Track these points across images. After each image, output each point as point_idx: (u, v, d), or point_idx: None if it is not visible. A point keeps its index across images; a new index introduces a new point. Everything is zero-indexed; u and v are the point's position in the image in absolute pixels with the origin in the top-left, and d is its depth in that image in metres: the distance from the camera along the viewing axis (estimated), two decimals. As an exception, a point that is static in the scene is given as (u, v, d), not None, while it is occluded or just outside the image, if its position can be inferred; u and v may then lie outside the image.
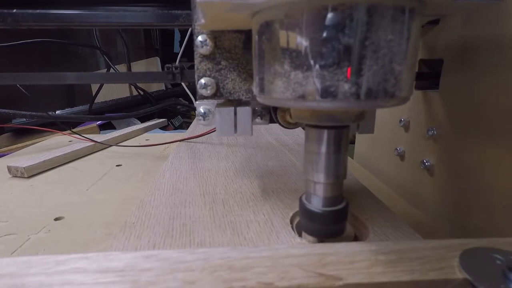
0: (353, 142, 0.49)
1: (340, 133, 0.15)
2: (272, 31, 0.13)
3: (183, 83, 1.21)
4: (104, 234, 0.28)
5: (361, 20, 0.11)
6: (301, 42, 0.12)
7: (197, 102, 0.21)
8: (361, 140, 0.47)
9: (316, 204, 0.16)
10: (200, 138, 0.45)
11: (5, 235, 0.28)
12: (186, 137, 0.45)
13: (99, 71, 1.35)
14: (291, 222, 0.20)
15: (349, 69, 0.11)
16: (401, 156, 0.34)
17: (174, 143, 0.46)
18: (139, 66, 1.33)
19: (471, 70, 0.24)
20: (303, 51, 0.12)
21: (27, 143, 0.69)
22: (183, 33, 1.75)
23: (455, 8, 0.14)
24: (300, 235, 0.18)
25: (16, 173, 0.42)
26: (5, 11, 0.29)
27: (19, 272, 0.13)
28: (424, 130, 0.30)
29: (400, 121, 0.34)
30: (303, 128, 0.18)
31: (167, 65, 0.25)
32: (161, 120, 0.89)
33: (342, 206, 0.16)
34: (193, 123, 0.60)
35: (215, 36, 0.19)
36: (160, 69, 1.33)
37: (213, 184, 0.27)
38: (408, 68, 0.12)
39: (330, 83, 0.12)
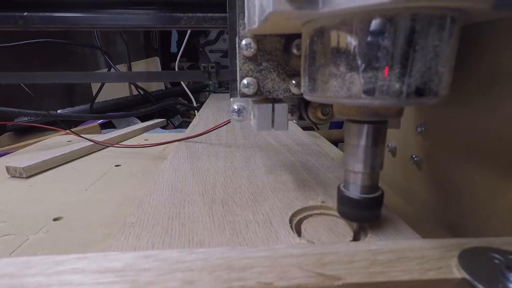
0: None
1: (380, 127, 0.17)
2: (328, 36, 0.14)
3: (182, 83, 1.21)
4: (103, 234, 0.28)
5: (413, 29, 0.12)
6: (357, 47, 0.13)
7: (231, 99, 0.23)
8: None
9: (355, 191, 0.18)
10: (199, 138, 0.45)
11: (3, 236, 0.27)
12: (185, 136, 0.45)
13: (99, 70, 1.35)
14: (290, 222, 0.20)
15: (400, 71, 0.13)
16: (393, 152, 0.36)
17: (173, 143, 0.46)
18: (138, 66, 1.33)
19: (460, 65, 0.25)
20: (359, 55, 0.13)
21: (30, 141, 0.70)
22: (180, 34, 1.75)
23: (490, 16, 0.16)
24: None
25: (15, 173, 0.42)
26: (17, 14, 0.31)
27: (18, 272, 0.13)
28: (413, 127, 0.31)
29: None
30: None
31: (203, 64, 0.27)
32: (160, 120, 0.89)
33: (378, 194, 0.18)
34: (192, 122, 0.60)
35: (258, 40, 0.21)
36: (159, 69, 1.34)
37: (212, 184, 0.27)
38: (449, 70, 0.14)
39: (383, 83, 0.13)
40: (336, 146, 0.56)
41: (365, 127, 0.16)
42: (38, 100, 0.66)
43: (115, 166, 0.47)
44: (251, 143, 0.41)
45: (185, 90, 1.10)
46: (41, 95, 0.67)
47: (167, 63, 1.63)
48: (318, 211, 0.22)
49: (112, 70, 0.91)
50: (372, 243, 0.16)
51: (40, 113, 0.59)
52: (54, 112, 0.71)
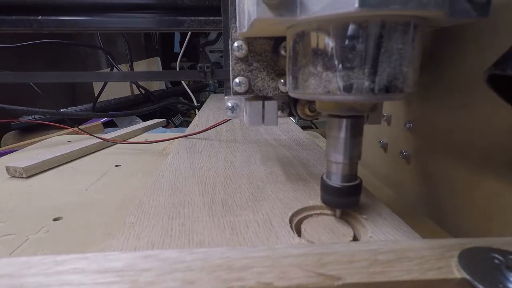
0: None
1: (357, 122, 0.18)
2: (307, 40, 0.16)
3: (183, 82, 1.22)
4: (103, 234, 0.28)
5: (379, 33, 0.14)
6: (331, 49, 0.15)
7: (226, 97, 0.25)
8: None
9: (336, 180, 0.19)
10: (199, 138, 0.45)
11: (3, 236, 0.28)
12: (187, 133, 0.46)
13: (101, 70, 1.36)
14: (290, 222, 0.20)
15: (369, 70, 0.14)
16: (384, 148, 0.38)
17: (174, 143, 0.46)
18: (140, 66, 1.33)
19: (438, 67, 0.28)
20: (333, 56, 0.15)
21: (35, 139, 0.70)
22: (183, 34, 1.75)
23: (452, 22, 0.18)
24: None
25: (15, 173, 0.42)
26: (32, 18, 0.33)
27: (17, 272, 0.13)
28: (402, 123, 0.33)
29: (384, 115, 0.37)
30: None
31: (199, 64, 0.28)
32: (160, 120, 0.89)
33: (357, 182, 0.19)
34: (193, 121, 0.60)
35: (249, 42, 0.22)
36: (160, 69, 1.34)
37: (212, 184, 0.27)
38: (413, 70, 0.15)
39: (354, 81, 0.15)
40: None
41: (344, 121, 0.18)
42: (41, 100, 0.66)
43: (115, 166, 0.47)
44: (251, 143, 0.41)
45: (186, 90, 1.11)
46: (43, 94, 0.68)
47: (167, 63, 1.63)
48: (318, 211, 0.22)
49: (115, 69, 0.92)
50: (372, 243, 0.16)
51: (49, 111, 0.60)
52: (62, 110, 0.72)
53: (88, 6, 0.34)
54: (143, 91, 1.08)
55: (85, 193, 0.37)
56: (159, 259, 0.14)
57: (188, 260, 0.14)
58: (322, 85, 0.16)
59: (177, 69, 1.07)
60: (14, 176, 0.42)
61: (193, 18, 0.35)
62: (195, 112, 1.07)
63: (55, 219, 0.30)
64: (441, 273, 0.13)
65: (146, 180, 0.40)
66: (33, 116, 0.85)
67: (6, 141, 0.90)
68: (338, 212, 0.20)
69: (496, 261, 0.14)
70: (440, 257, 0.14)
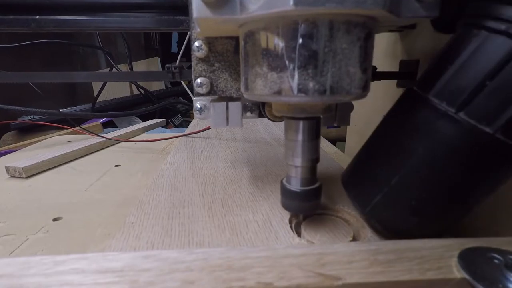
0: (344, 139, 0.54)
1: (312, 124, 0.18)
2: (254, 39, 0.16)
3: (183, 82, 1.22)
4: (103, 234, 0.28)
5: (321, 33, 0.13)
6: (275, 49, 0.14)
7: (194, 98, 0.24)
8: (351, 136, 0.51)
9: (295, 184, 0.18)
10: (199, 139, 0.45)
11: (3, 236, 0.27)
12: (187, 132, 0.46)
13: (100, 70, 1.36)
14: (290, 222, 0.20)
15: (312, 71, 0.14)
16: None
17: (174, 143, 0.46)
18: (139, 66, 1.33)
19: None
20: (277, 56, 0.14)
21: (34, 140, 0.70)
22: (181, 34, 1.75)
23: (403, 22, 0.17)
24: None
25: (14, 173, 0.42)
26: (30, 17, 0.33)
27: (17, 273, 0.13)
28: None
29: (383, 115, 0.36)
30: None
31: (167, 65, 0.27)
32: (160, 120, 0.89)
33: (317, 185, 0.19)
34: (192, 122, 0.61)
35: (209, 41, 0.22)
36: (160, 69, 1.34)
37: (212, 184, 0.27)
38: (361, 70, 0.15)
39: (299, 81, 0.14)
40: (334, 145, 0.56)
41: (300, 123, 0.17)
42: (41, 100, 0.66)
43: (115, 166, 0.47)
44: (251, 143, 0.41)
45: (186, 90, 1.11)
46: (43, 94, 0.68)
47: (167, 63, 1.63)
48: (318, 211, 0.22)
49: (114, 69, 0.92)
50: (372, 243, 0.16)
51: (49, 112, 0.61)
52: (61, 110, 0.72)
53: (86, 5, 0.34)
54: (142, 91, 1.08)
55: (85, 193, 0.37)
56: (159, 259, 0.14)
57: (188, 260, 0.14)
58: (268, 86, 0.15)
59: (177, 69, 1.07)
60: (14, 176, 0.42)
61: (192, 18, 0.35)
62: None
63: (55, 219, 0.30)
64: (441, 273, 0.13)
65: (146, 180, 0.40)
66: (32, 116, 0.85)
67: (5, 141, 0.90)
68: (301, 217, 0.20)
69: (496, 261, 0.14)
70: (439, 257, 0.14)
